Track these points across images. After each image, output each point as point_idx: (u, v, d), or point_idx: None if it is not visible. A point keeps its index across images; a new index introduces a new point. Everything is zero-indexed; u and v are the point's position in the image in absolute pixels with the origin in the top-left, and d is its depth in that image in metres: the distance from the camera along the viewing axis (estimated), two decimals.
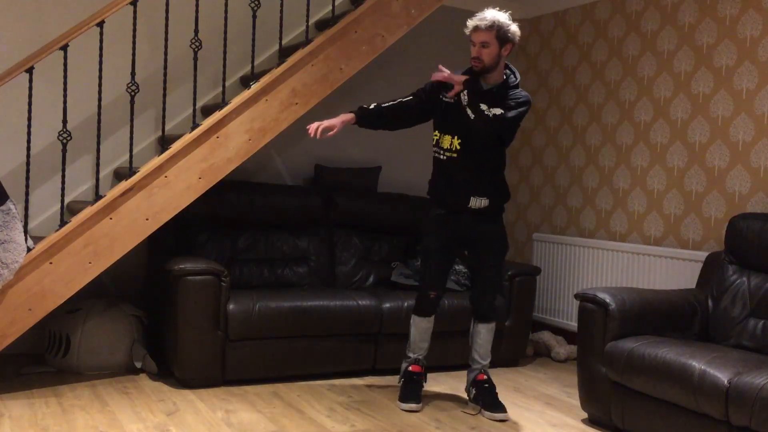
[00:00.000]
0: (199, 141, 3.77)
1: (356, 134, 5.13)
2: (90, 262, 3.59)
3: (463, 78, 3.44)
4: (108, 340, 3.98)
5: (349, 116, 3.60)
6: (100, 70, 3.67)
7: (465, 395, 3.82)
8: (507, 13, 3.48)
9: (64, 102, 3.61)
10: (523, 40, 5.60)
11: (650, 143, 4.56)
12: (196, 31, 3.84)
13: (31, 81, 3.56)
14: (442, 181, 3.63)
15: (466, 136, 3.50)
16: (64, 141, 3.60)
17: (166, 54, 3.84)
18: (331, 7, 4.26)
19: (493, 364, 4.20)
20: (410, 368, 3.73)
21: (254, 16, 3.96)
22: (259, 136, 3.90)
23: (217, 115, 3.81)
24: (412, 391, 3.68)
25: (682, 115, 4.37)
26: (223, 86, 3.96)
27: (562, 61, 5.26)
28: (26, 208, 3.61)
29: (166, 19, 3.80)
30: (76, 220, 3.57)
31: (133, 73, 3.72)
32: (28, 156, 3.56)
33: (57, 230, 3.57)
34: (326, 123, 3.53)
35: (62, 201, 3.66)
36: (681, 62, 4.39)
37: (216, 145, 3.81)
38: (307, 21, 4.14)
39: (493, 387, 3.68)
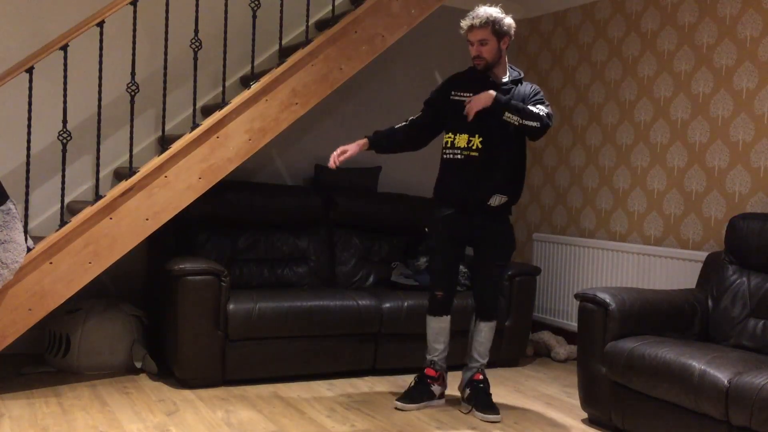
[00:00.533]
0: (199, 141, 3.77)
1: (356, 134, 5.13)
2: (90, 262, 3.59)
3: (486, 97, 3.43)
4: (108, 340, 3.98)
5: (363, 141, 3.66)
6: (100, 70, 3.67)
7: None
8: (499, 6, 3.49)
9: (64, 102, 3.61)
10: (523, 40, 5.60)
11: (650, 143, 4.56)
12: (196, 31, 3.84)
13: (31, 81, 3.56)
14: (454, 181, 3.57)
15: (487, 133, 3.49)
16: (64, 141, 3.60)
17: (166, 54, 3.84)
18: (331, 7, 4.27)
19: (493, 364, 4.22)
20: (424, 371, 3.71)
21: (254, 16, 3.96)
22: (259, 136, 3.90)
23: (217, 115, 3.81)
24: (411, 392, 3.67)
25: (682, 115, 4.37)
26: (223, 86, 3.96)
27: (562, 61, 5.26)
28: (26, 208, 3.61)
29: (166, 19, 3.80)
30: (76, 220, 3.57)
31: (133, 73, 3.72)
32: (28, 156, 3.56)
33: (57, 230, 3.57)
34: (341, 149, 3.58)
35: (62, 201, 3.66)
36: (681, 62, 4.39)
37: (216, 145, 3.81)
38: (307, 21, 4.14)
39: (487, 387, 3.65)
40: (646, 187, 4.57)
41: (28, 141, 3.56)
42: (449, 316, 3.68)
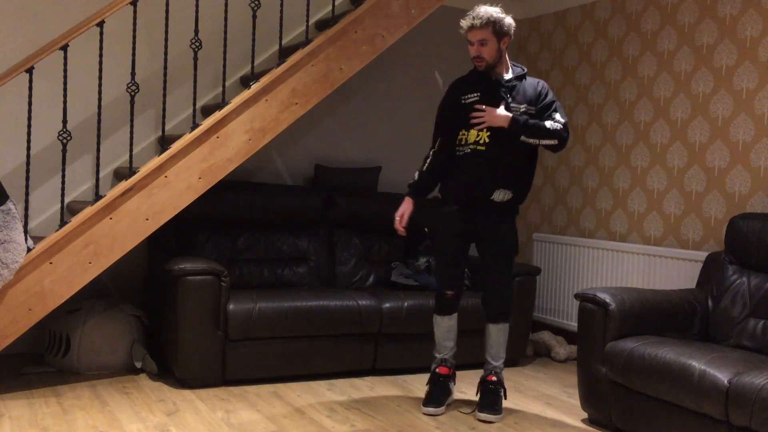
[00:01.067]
0: (199, 141, 3.77)
1: (356, 134, 5.14)
2: (90, 262, 3.59)
3: (503, 118, 3.43)
4: (108, 340, 3.98)
5: (408, 199, 3.65)
6: (100, 70, 3.67)
7: (464, 395, 3.82)
8: (499, 6, 3.49)
9: (64, 102, 3.61)
10: (523, 40, 5.60)
11: (650, 143, 4.56)
12: (196, 31, 3.84)
13: (31, 81, 3.56)
14: (460, 175, 3.57)
15: (496, 128, 3.48)
16: (64, 141, 3.60)
17: (166, 54, 3.84)
18: (331, 7, 4.27)
19: None
20: (437, 370, 3.69)
21: (254, 16, 3.96)
22: (259, 136, 3.90)
23: (217, 115, 3.81)
24: (434, 395, 3.62)
25: (682, 115, 4.37)
26: (223, 86, 3.96)
27: (562, 61, 5.26)
28: (26, 208, 3.61)
29: (166, 19, 3.80)
30: (76, 220, 3.57)
31: (133, 73, 3.72)
32: (28, 156, 3.56)
33: (57, 230, 3.57)
34: (398, 214, 3.61)
35: (62, 201, 3.66)
36: (681, 62, 4.39)
37: (216, 145, 3.81)
38: (307, 21, 4.13)
39: (498, 390, 3.60)
40: (646, 187, 4.57)
41: (28, 141, 3.56)
42: (456, 314, 3.68)
